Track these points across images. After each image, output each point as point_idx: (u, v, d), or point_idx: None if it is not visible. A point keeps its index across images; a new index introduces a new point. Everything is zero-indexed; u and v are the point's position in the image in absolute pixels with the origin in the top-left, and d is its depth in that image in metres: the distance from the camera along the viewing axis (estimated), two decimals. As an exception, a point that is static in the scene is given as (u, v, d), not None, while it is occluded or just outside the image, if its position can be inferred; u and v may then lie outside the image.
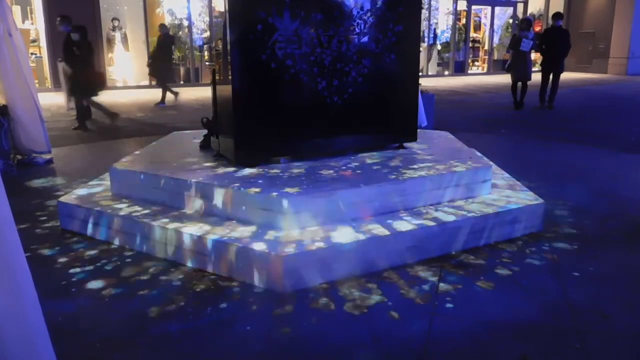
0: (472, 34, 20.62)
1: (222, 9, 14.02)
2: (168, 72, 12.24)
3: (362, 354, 2.49)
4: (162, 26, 12.31)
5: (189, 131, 5.84)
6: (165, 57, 11.90)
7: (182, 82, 16.13)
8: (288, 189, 3.51)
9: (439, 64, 20.29)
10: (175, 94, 11.99)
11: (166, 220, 3.60)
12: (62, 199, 4.19)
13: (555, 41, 10.77)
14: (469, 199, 4.01)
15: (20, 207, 4.49)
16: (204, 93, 13.38)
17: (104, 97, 9.41)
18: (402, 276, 3.23)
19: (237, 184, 3.64)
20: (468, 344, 2.56)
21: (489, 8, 20.31)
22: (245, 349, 2.53)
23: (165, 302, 2.95)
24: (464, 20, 20.24)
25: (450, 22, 19.85)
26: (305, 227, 3.39)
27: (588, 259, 3.50)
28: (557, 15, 11.09)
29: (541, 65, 11.24)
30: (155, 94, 13.98)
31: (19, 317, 1.74)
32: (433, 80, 17.34)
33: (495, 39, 20.89)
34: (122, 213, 3.77)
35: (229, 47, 3.81)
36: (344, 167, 4.09)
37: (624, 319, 2.78)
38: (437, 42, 19.91)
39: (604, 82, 17.20)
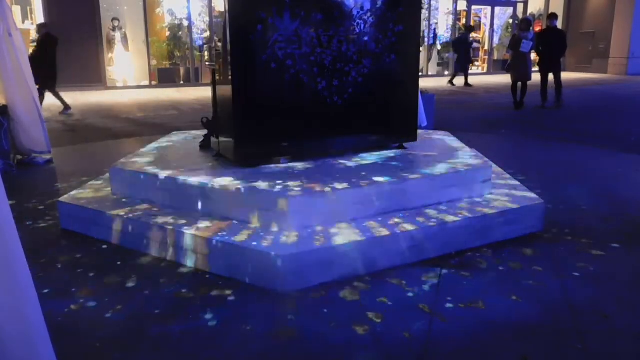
0: (472, 34, 20.60)
1: (222, 9, 14.03)
2: (52, 76, 10.13)
3: (362, 354, 2.49)
4: (42, 25, 10.52)
5: (189, 131, 5.84)
6: (47, 60, 10.00)
7: (182, 82, 16.13)
8: (288, 189, 3.51)
9: (439, 64, 20.28)
10: (40, 100, 10.07)
11: (166, 220, 3.60)
12: (62, 199, 4.19)
13: (552, 41, 10.82)
14: (469, 199, 4.00)
15: (20, 207, 4.49)
16: (204, 93, 13.38)
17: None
18: (402, 276, 3.23)
19: (237, 184, 3.64)
20: (468, 344, 2.56)
21: (489, 8, 20.31)
22: (245, 349, 2.53)
23: (165, 302, 2.95)
24: (464, 20, 20.24)
25: (450, 22, 19.84)
26: (305, 227, 3.39)
27: (588, 259, 3.50)
28: (552, 16, 11.20)
29: (539, 65, 11.29)
30: (157, 93, 14.01)
31: (19, 317, 1.74)
32: (433, 80, 17.35)
33: (495, 39, 20.89)
34: (122, 213, 3.77)
35: (229, 47, 3.81)
36: (347, 170, 4.09)
37: (624, 319, 2.78)
38: (437, 42, 19.90)
39: (604, 82, 17.20)
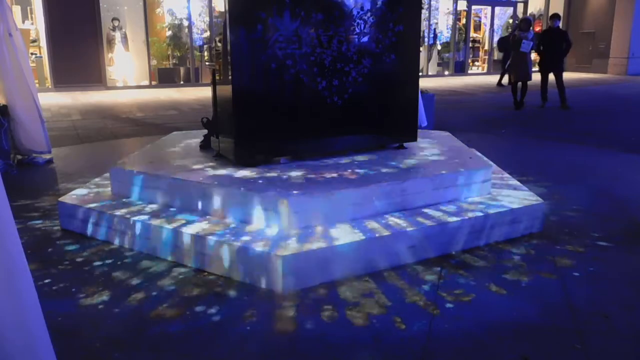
0: (472, 34, 20.60)
1: (222, 9, 14.01)
2: None
3: (362, 354, 2.49)
4: None
5: (189, 131, 5.84)
6: None
7: (182, 82, 16.12)
8: (288, 189, 3.51)
9: (439, 64, 20.28)
10: None
11: (166, 220, 3.60)
12: (62, 199, 4.19)
13: (554, 42, 10.82)
14: (469, 199, 4.00)
15: (21, 207, 4.49)
16: (204, 93, 13.38)
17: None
18: (402, 276, 3.23)
19: (237, 184, 3.64)
20: (468, 345, 2.56)
21: (489, 8, 20.30)
22: (245, 349, 2.53)
23: (165, 302, 2.95)
24: (464, 20, 20.23)
25: (450, 22, 19.84)
26: (305, 227, 3.39)
27: (588, 259, 3.49)
28: (554, 16, 11.20)
29: (539, 65, 11.28)
30: (157, 93, 14.00)
31: (19, 319, 1.73)
32: (433, 80, 17.35)
33: (495, 39, 20.87)
34: (121, 213, 3.77)
35: (229, 47, 3.81)
36: (347, 170, 4.09)
37: (624, 319, 2.78)
38: (437, 42, 19.90)
39: (604, 82, 17.19)
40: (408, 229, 3.43)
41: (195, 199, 3.73)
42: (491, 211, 3.77)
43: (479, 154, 4.72)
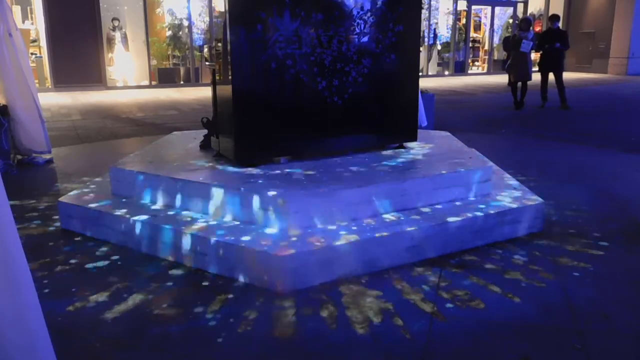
0: (472, 34, 20.60)
1: (222, 9, 14.00)
2: None
3: (362, 354, 2.49)
4: None
5: (189, 131, 5.84)
6: None
7: (182, 82, 16.12)
8: (288, 189, 3.51)
9: (439, 64, 20.28)
10: None
11: (166, 220, 3.60)
12: (62, 199, 4.19)
13: (554, 42, 10.84)
14: (469, 199, 4.00)
15: (20, 207, 4.49)
16: (204, 93, 13.38)
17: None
18: (402, 276, 3.23)
19: (237, 184, 3.64)
20: (468, 345, 2.56)
21: (489, 8, 20.30)
22: (245, 349, 2.53)
23: (165, 302, 2.95)
24: (464, 20, 20.23)
25: (450, 22, 19.84)
26: (305, 227, 3.39)
27: (588, 259, 3.49)
28: (553, 17, 11.26)
29: (539, 65, 11.30)
30: (157, 93, 14.01)
31: (20, 318, 1.73)
32: (433, 80, 17.35)
33: (495, 39, 20.89)
34: (121, 213, 3.77)
35: (229, 47, 3.81)
36: (347, 170, 4.09)
37: (624, 319, 2.78)
38: (437, 42, 19.91)
39: (604, 82, 17.19)
40: (408, 229, 3.43)
41: (195, 199, 3.73)
42: (491, 211, 3.77)
43: (479, 154, 4.71)
